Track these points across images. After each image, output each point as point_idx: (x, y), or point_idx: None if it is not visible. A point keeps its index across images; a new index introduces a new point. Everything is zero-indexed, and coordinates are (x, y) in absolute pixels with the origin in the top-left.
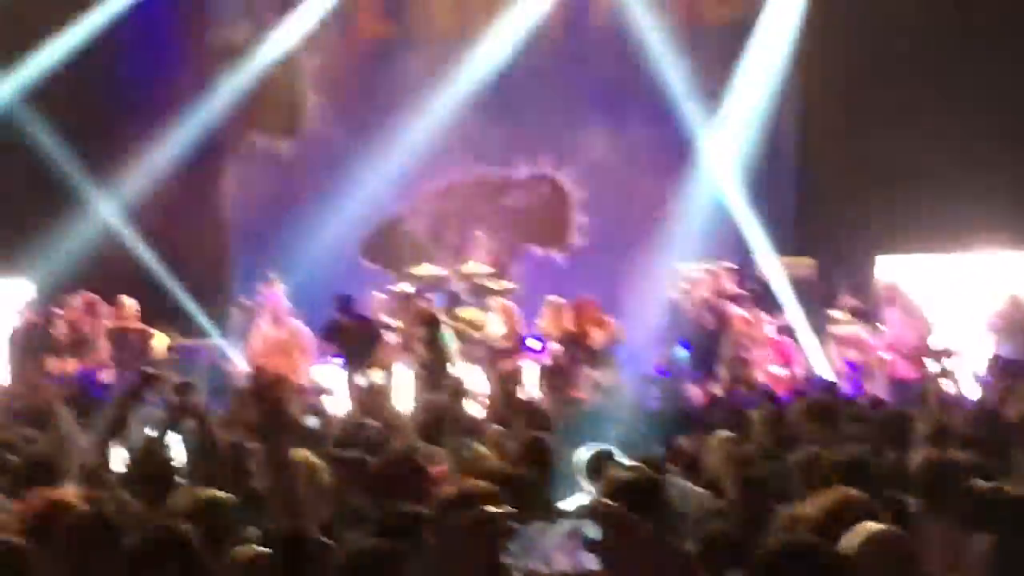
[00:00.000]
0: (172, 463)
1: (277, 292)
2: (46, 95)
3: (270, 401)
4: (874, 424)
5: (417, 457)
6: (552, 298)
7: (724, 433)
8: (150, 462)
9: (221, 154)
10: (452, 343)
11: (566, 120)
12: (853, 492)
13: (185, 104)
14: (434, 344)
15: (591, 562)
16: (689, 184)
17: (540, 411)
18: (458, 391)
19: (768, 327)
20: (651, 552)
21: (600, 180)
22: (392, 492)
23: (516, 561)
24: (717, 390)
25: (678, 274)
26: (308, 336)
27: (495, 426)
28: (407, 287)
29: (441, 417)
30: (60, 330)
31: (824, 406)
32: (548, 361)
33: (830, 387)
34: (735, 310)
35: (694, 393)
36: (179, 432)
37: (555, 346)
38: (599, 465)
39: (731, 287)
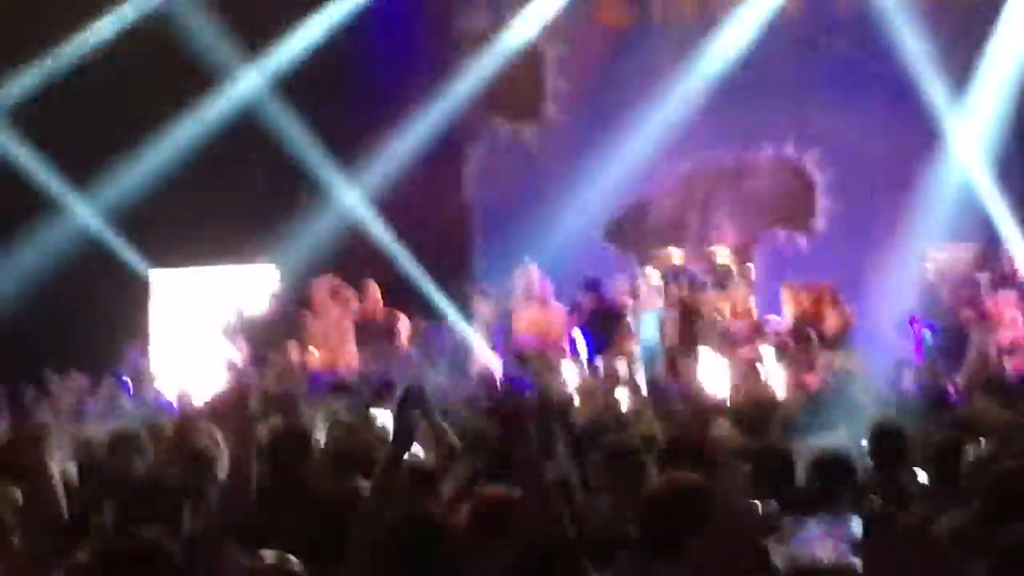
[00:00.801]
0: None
1: (537, 276)
2: (291, 85)
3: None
4: None
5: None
6: (789, 283)
7: None
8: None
9: (464, 140)
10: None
11: (808, 103)
12: None
13: (428, 91)
14: (689, 329)
15: (853, 558)
16: (935, 166)
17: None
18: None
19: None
20: (916, 552)
21: (843, 163)
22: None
23: (779, 553)
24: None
25: (927, 258)
26: (566, 322)
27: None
28: (652, 272)
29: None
30: (305, 316)
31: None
32: (784, 345)
33: None
34: (989, 297)
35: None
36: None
37: (790, 329)
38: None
39: (987, 274)
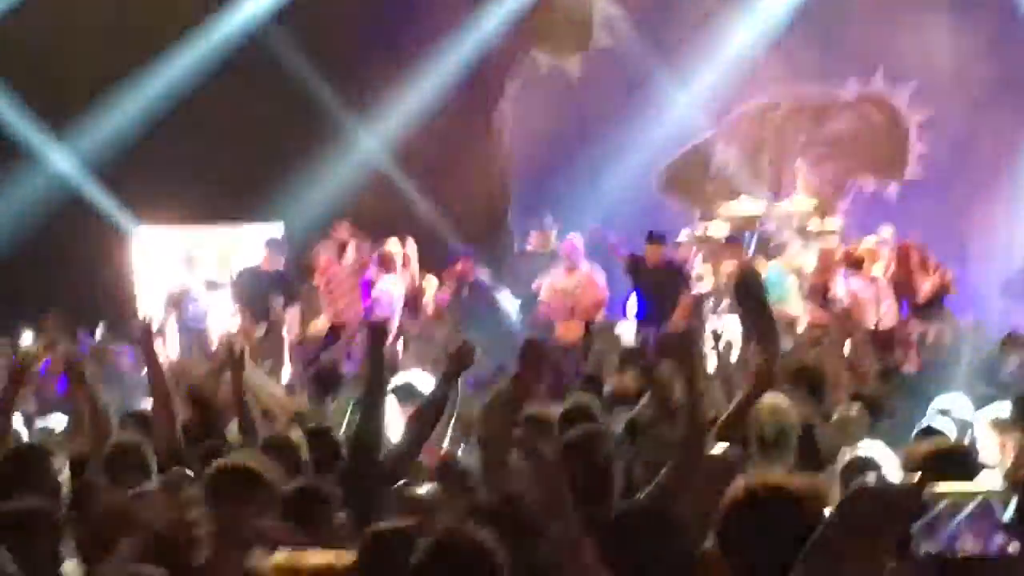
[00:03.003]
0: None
1: (574, 239)
2: (299, 15)
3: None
4: None
5: None
6: (870, 240)
7: None
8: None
9: (499, 76)
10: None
11: (902, 28)
12: None
13: (457, 20)
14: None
15: (1006, 545)
16: None
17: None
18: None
19: None
20: None
21: (942, 100)
22: None
23: (921, 540)
24: None
25: None
26: (601, 288)
27: None
28: (717, 228)
29: None
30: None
31: None
32: (868, 314)
33: None
34: None
35: None
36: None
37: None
38: None
39: None
